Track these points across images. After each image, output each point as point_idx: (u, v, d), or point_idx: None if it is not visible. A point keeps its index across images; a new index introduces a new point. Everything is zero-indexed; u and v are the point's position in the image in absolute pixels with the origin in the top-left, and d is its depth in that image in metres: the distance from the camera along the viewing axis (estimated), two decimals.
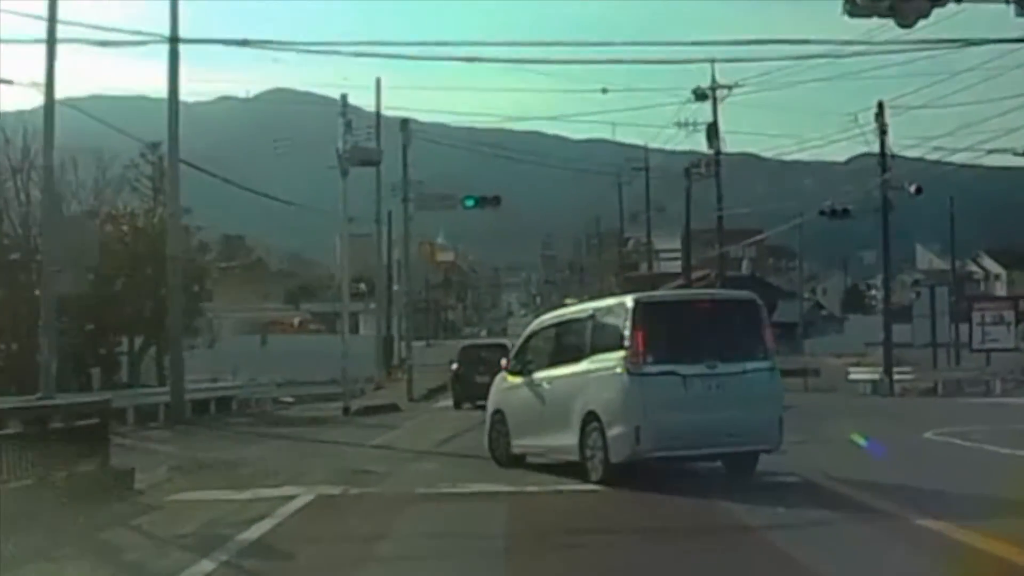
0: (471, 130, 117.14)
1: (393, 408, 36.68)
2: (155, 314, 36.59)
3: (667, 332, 14.34)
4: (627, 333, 14.19)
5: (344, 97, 36.37)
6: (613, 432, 14.16)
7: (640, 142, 75.98)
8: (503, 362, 18.22)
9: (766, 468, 15.08)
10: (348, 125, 35.63)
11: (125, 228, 39.99)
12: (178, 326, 32.72)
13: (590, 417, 14.62)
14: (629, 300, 14.57)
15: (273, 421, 33.10)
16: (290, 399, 44.64)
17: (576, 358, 15.43)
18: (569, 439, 15.06)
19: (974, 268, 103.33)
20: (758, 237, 61.18)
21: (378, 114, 48.88)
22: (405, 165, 42.76)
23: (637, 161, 77.13)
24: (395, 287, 49.89)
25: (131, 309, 38.86)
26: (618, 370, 14.21)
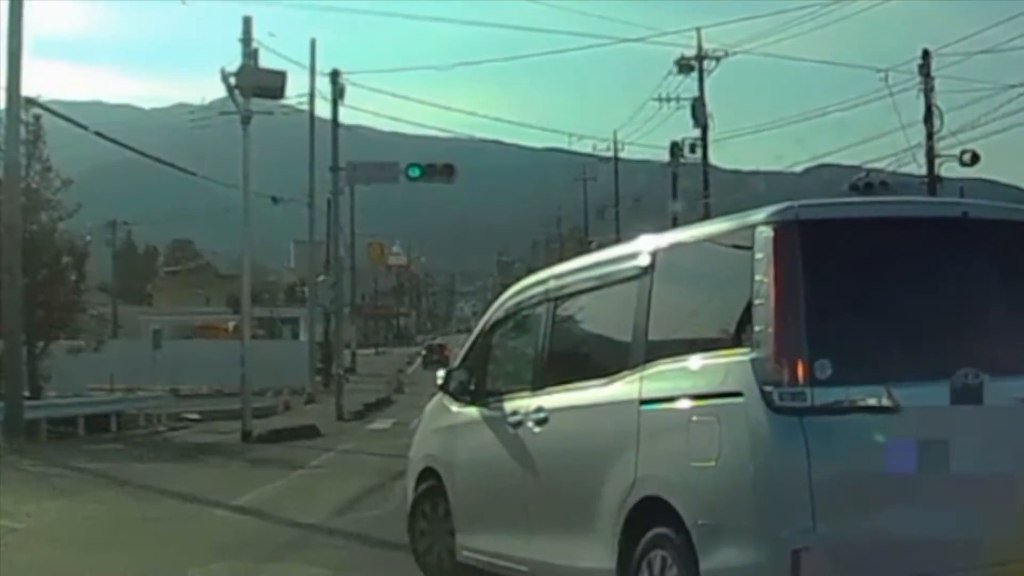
0: (427, 138, 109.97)
1: (311, 432, 28.56)
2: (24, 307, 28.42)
3: (862, 301, 5.83)
4: (760, 305, 5.67)
5: (247, 20, 27.85)
6: (721, 559, 5.67)
7: (596, 152, 71.58)
8: (439, 375, 9.50)
9: None
10: (252, 55, 27.14)
11: None
12: (15, 318, 25.17)
13: (650, 511, 6.14)
14: (762, 223, 5.86)
15: (146, 448, 25.48)
16: (195, 415, 36.57)
17: (609, 368, 6.87)
18: (593, 557, 6.69)
19: None
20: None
21: (312, 72, 42.39)
22: (335, 122, 34.38)
23: (592, 168, 73.80)
24: (320, 278, 41.04)
25: None
26: (737, 399, 5.69)
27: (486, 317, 9.25)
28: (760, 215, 5.90)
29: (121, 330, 60.35)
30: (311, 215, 44.93)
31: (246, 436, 26.93)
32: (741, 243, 5.95)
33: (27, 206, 29.43)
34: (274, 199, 43.62)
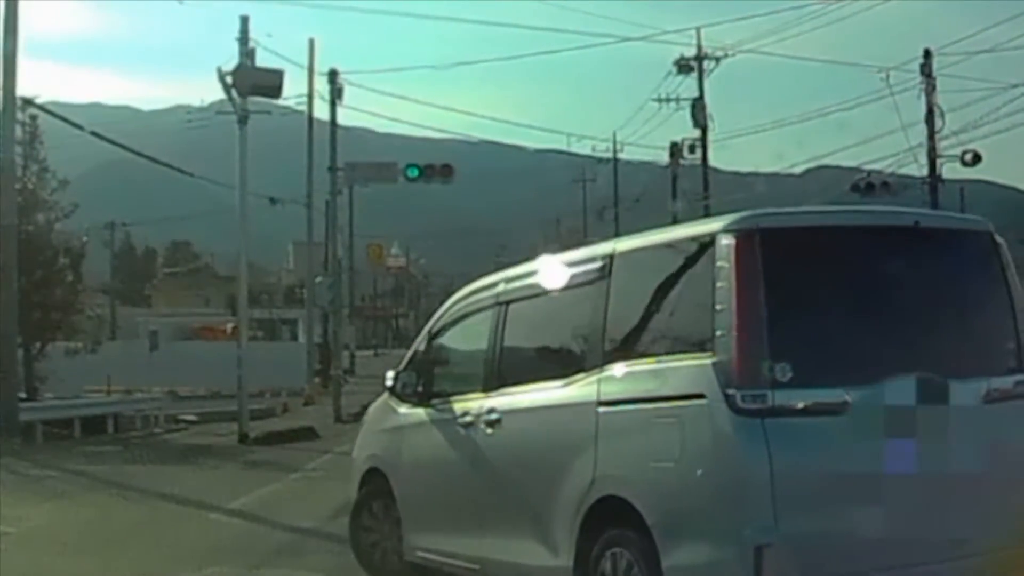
0: (426, 140, 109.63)
1: (308, 434, 28.45)
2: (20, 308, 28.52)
3: (822, 306, 6.02)
4: (722, 310, 5.85)
5: (244, 19, 27.91)
6: (683, 556, 5.84)
7: (596, 154, 71.25)
8: (388, 376, 9.49)
9: None
10: (249, 54, 27.17)
11: None
12: (11, 319, 25.17)
13: (609, 510, 6.31)
14: (722, 231, 6.05)
15: (142, 451, 25.19)
16: (192, 417, 36.60)
17: (564, 371, 7.02)
18: (549, 555, 6.85)
19: None
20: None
21: (310, 72, 41.83)
22: (334, 121, 34.42)
23: (591, 169, 73.96)
24: (318, 279, 40.98)
25: None
26: (699, 401, 5.87)
27: (434, 319, 9.25)
28: (721, 223, 6.09)
29: (120, 331, 60.44)
30: (309, 216, 44.74)
31: (243, 438, 26.73)
32: (702, 250, 6.12)
33: (23, 206, 29.48)
34: (272, 200, 43.52)
